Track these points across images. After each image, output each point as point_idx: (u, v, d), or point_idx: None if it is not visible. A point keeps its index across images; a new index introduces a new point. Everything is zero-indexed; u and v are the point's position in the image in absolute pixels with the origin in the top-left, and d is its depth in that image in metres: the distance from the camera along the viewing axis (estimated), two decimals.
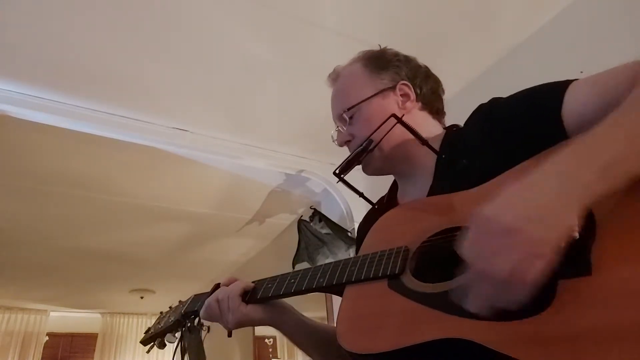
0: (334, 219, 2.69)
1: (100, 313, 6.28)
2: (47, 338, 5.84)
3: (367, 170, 0.89)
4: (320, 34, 1.74)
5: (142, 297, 5.52)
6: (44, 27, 1.63)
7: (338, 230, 2.61)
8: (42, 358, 5.69)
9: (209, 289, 0.91)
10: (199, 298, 0.96)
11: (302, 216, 2.88)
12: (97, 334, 6.21)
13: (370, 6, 1.65)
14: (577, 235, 0.46)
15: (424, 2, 1.66)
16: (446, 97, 0.92)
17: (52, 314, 5.94)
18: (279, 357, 3.91)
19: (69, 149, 2.42)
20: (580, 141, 0.51)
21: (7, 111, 1.93)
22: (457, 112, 0.83)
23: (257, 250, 4.16)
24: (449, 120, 0.92)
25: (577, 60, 1.48)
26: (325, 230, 2.66)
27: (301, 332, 0.91)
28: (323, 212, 2.75)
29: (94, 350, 6.10)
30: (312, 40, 1.77)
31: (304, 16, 1.67)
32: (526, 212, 0.47)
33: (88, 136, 2.13)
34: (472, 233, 0.49)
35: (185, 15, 1.63)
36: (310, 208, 2.78)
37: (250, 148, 2.41)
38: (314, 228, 2.71)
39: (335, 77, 0.94)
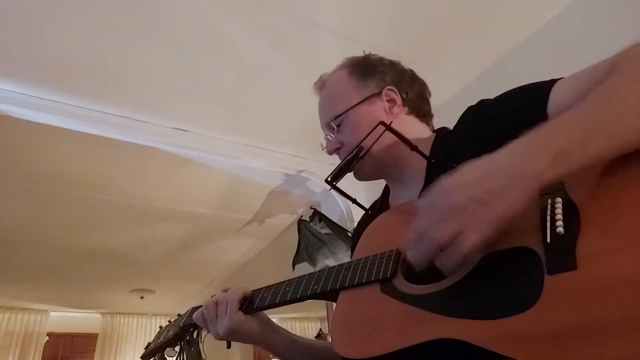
0: (334, 219, 2.69)
1: (100, 313, 6.29)
2: (47, 338, 5.85)
3: (359, 177, 0.90)
4: (320, 34, 1.74)
5: (142, 297, 5.52)
6: (44, 27, 1.63)
7: (338, 231, 2.61)
8: (42, 358, 5.70)
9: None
10: (196, 311, 0.95)
11: (302, 216, 2.88)
12: (97, 334, 6.22)
13: (370, 7, 1.65)
14: (518, 213, 0.51)
15: (424, 3, 1.66)
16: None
17: (52, 314, 5.95)
18: None
19: (69, 149, 2.42)
20: (539, 129, 0.53)
21: (7, 111, 1.92)
22: (457, 113, 0.82)
23: (257, 250, 4.16)
24: (449, 122, 0.91)
25: (577, 60, 1.47)
26: (325, 231, 2.66)
27: (294, 351, 0.91)
28: (323, 212, 2.75)
29: (94, 350, 6.11)
30: (312, 40, 1.77)
31: (304, 16, 1.67)
32: (475, 192, 0.52)
33: (88, 136, 2.13)
34: (430, 197, 0.56)
35: (185, 15, 1.62)
36: (310, 208, 2.78)
37: (250, 148, 2.41)
38: (314, 228, 2.71)
39: (322, 85, 0.94)
